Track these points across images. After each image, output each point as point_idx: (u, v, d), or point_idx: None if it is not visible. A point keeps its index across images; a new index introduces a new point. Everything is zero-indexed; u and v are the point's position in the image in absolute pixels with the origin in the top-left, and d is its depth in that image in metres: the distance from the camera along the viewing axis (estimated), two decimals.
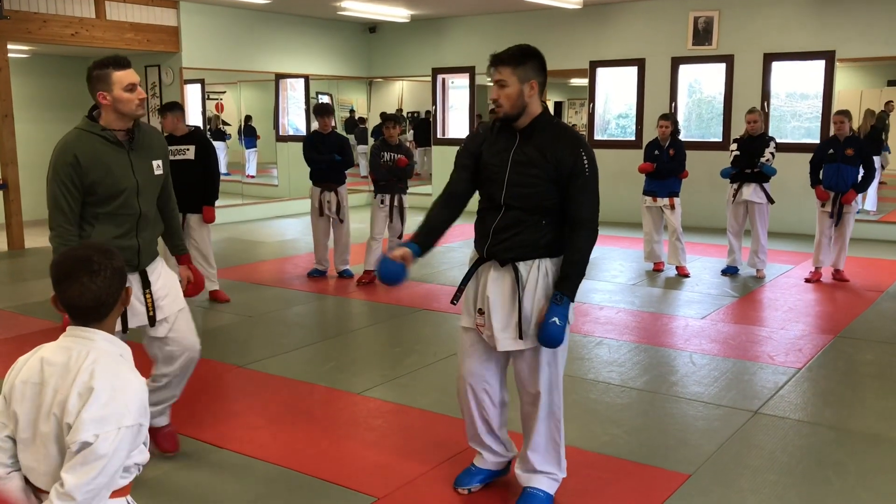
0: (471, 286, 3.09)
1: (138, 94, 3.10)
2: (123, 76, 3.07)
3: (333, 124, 7.52)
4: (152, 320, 3.34)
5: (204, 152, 6.44)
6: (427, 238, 3.08)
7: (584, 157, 2.86)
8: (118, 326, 3.14)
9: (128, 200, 3.16)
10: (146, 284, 3.31)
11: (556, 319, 2.84)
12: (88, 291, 1.82)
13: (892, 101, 12.43)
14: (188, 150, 6.40)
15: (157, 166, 3.29)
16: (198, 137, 6.53)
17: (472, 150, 3.05)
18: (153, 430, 3.54)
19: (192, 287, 3.56)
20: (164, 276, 3.41)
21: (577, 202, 2.88)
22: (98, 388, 1.76)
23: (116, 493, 1.84)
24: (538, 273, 2.96)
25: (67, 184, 3.07)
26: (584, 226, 2.90)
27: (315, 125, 7.63)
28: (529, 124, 2.90)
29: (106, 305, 1.86)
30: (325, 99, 13.58)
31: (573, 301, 2.92)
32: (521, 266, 2.96)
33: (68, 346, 1.84)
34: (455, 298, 3.13)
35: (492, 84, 2.90)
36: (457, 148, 9.79)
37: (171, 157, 6.39)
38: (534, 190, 2.88)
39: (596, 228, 2.93)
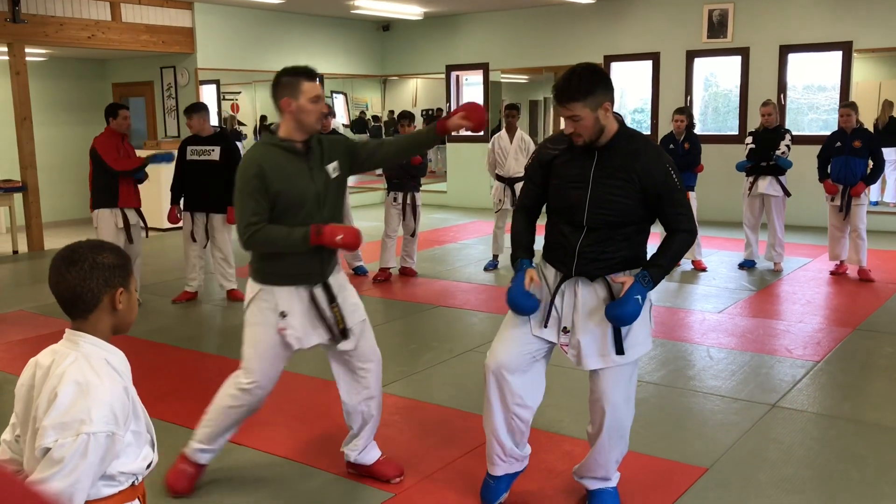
0: (548, 301, 2.97)
1: (321, 108, 3.07)
2: (311, 87, 3.04)
3: (346, 122, 7.56)
4: (344, 333, 3.20)
5: (229, 153, 6.49)
6: (531, 251, 3.03)
7: (672, 171, 2.81)
8: (305, 342, 3.12)
9: (311, 210, 3.08)
10: (332, 298, 3.19)
11: (638, 297, 2.76)
12: (63, 281, 1.81)
13: None
14: (214, 150, 6.45)
15: (334, 168, 3.17)
16: (224, 138, 6.59)
17: (543, 163, 2.98)
18: (373, 466, 3.40)
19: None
20: (347, 287, 3.29)
21: (675, 217, 2.86)
22: (61, 393, 1.74)
23: (106, 502, 1.82)
24: None
25: (255, 195, 3.00)
26: (684, 231, 2.89)
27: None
28: (609, 142, 2.82)
29: (83, 300, 1.81)
30: (339, 98, 13.62)
31: (654, 287, 2.85)
32: (612, 281, 2.89)
33: (56, 349, 1.85)
34: (546, 322, 2.94)
35: (564, 117, 2.79)
36: (471, 145, 9.81)
37: (197, 157, 6.46)
38: (618, 209, 2.82)
39: (694, 230, 2.91)
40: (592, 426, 3.06)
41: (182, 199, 6.60)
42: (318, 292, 3.17)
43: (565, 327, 2.93)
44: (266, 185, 3.01)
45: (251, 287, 3.23)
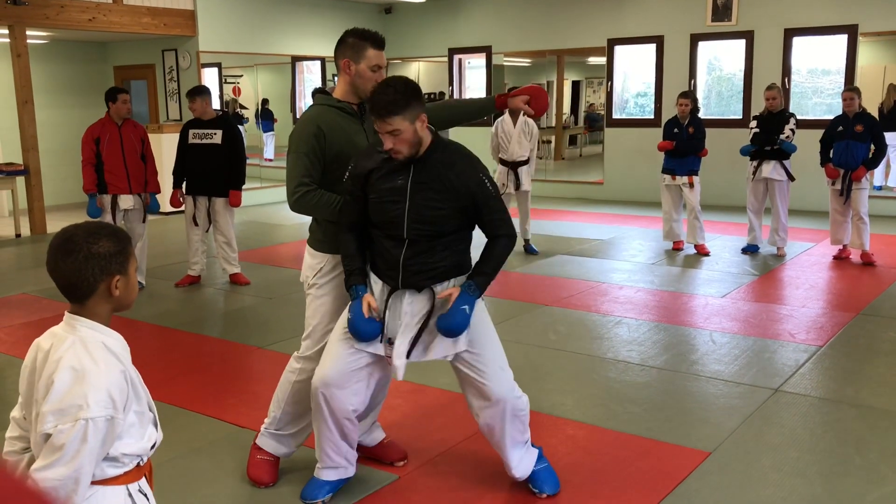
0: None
1: (378, 77, 3.02)
2: (376, 56, 3.01)
3: None
4: None
5: (231, 137, 6.49)
6: (365, 273, 2.97)
7: (486, 180, 2.84)
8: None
9: None
10: None
11: (465, 307, 2.80)
12: (58, 270, 1.82)
13: None
14: (216, 134, 6.44)
15: None
16: (225, 122, 6.57)
17: (359, 177, 2.90)
18: (376, 447, 3.40)
19: None
20: None
21: (492, 223, 2.88)
22: (57, 379, 1.74)
23: (111, 482, 1.83)
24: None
25: (310, 155, 2.97)
26: (504, 236, 2.90)
27: None
28: (424, 154, 2.82)
29: (79, 288, 1.81)
30: None
31: (481, 296, 2.90)
32: (438, 288, 2.90)
33: (55, 332, 1.85)
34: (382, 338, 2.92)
35: (382, 133, 2.73)
36: (473, 129, 9.74)
37: (199, 141, 6.45)
38: (437, 221, 2.82)
39: (513, 234, 2.94)
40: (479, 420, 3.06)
41: (184, 182, 6.60)
42: None
43: (390, 339, 2.91)
44: (324, 146, 2.98)
45: (316, 258, 3.15)
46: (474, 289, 2.85)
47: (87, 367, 1.76)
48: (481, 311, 2.97)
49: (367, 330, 2.86)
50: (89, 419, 1.72)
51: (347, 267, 2.97)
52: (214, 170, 6.43)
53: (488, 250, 2.92)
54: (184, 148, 6.53)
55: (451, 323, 2.80)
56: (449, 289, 2.89)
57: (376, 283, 2.97)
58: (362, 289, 2.92)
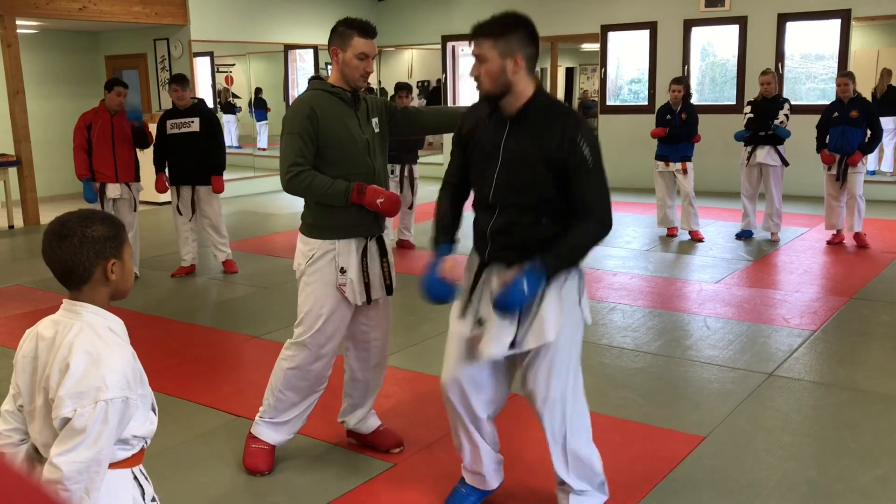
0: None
1: (366, 66, 3.07)
2: (361, 44, 3.05)
3: None
4: (389, 289, 3.23)
5: (209, 123, 6.47)
6: (450, 232, 2.80)
7: (585, 146, 2.44)
8: (360, 298, 3.10)
9: (361, 158, 3.07)
10: (383, 252, 3.20)
11: (523, 284, 2.42)
12: (55, 255, 1.83)
13: None
14: (193, 122, 6.43)
15: (376, 124, 3.18)
16: (202, 109, 6.55)
17: (464, 132, 2.70)
18: (372, 435, 3.42)
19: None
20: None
21: (580, 197, 2.49)
22: (73, 363, 1.76)
23: (118, 465, 1.85)
24: None
25: (304, 135, 2.98)
26: (591, 217, 2.51)
27: None
28: (520, 110, 2.51)
29: (76, 273, 1.82)
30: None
31: (548, 277, 2.48)
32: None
33: (57, 320, 1.86)
34: (463, 311, 2.71)
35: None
36: None
37: (177, 131, 6.44)
38: (526, 189, 2.52)
39: (605, 221, 2.54)
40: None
41: (165, 169, 6.58)
42: (373, 245, 3.16)
43: (480, 318, 2.66)
44: (316, 128, 3.01)
45: (308, 245, 3.14)
46: (538, 265, 2.45)
47: (100, 350, 1.79)
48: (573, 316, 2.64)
49: (435, 292, 2.63)
50: (108, 400, 1.75)
51: (434, 224, 2.80)
52: (195, 158, 6.43)
53: (570, 231, 2.52)
54: (162, 138, 6.51)
55: (499, 297, 2.47)
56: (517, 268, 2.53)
57: (474, 257, 2.76)
58: (445, 248, 2.73)
